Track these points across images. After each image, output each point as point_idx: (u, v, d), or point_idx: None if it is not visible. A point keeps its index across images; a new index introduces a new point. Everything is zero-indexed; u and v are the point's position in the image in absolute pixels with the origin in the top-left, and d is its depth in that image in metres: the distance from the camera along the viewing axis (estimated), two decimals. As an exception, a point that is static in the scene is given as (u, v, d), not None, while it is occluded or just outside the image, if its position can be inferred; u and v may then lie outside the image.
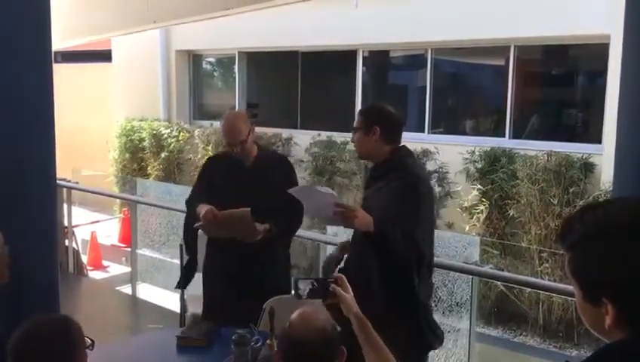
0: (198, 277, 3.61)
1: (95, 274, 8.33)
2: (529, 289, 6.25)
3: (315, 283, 2.00)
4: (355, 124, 2.75)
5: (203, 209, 3.06)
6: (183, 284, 3.83)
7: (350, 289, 1.98)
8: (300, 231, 3.58)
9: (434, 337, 2.71)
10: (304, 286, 2.00)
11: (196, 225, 3.17)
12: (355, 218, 2.45)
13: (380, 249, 2.53)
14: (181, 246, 4.12)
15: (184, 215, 3.73)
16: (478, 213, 6.77)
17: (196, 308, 3.88)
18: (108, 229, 10.16)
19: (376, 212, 2.51)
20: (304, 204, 2.75)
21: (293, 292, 2.06)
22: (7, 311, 2.79)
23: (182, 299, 4.01)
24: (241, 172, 3.23)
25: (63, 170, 4.88)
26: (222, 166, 3.34)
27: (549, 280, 5.87)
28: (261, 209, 3.04)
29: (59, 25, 4.65)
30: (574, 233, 1.12)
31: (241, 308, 3.06)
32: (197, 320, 3.04)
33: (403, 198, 2.56)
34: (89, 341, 1.77)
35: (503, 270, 5.90)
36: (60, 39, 6.28)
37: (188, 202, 3.42)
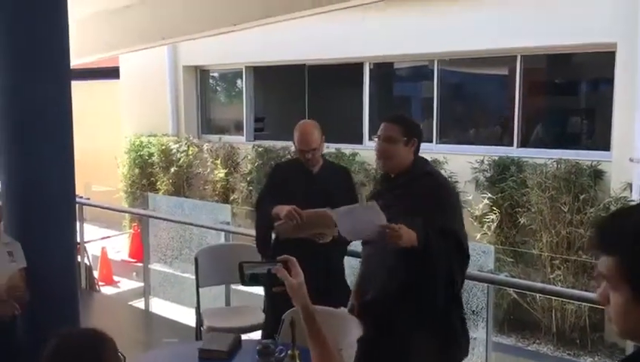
0: (218, 291, 3.62)
1: (106, 290, 8.37)
2: (541, 297, 6.25)
3: (261, 268, 1.77)
4: (389, 133, 2.68)
5: (283, 209, 3.11)
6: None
7: (301, 274, 1.74)
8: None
9: (459, 348, 2.70)
10: (251, 272, 1.78)
11: (277, 223, 3.21)
12: (400, 238, 2.41)
13: (421, 262, 2.48)
14: (196, 259, 4.15)
15: (197, 228, 3.76)
16: (488, 221, 6.78)
17: (213, 321, 3.91)
18: (118, 244, 10.21)
19: (423, 220, 2.48)
20: (343, 226, 2.67)
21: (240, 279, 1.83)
22: (29, 325, 2.83)
23: (197, 313, 4.03)
24: (309, 178, 3.32)
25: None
26: (290, 172, 3.44)
27: (562, 287, 5.86)
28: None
29: (70, 43, 4.72)
30: (623, 235, 1.14)
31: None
32: (217, 333, 3.06)
33: (444, 204, 2.57)
34: (122, 356, 1.77)
35: (515, 277, 5.89)
36: (72, 57, 6.35)
37: (257, 206, 3.49)
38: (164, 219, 6.96)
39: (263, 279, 1.76)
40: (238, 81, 10.46)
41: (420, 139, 2.71)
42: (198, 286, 4.09)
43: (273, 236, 3.46)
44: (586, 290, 5.61)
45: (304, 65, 9.27)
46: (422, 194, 2.60)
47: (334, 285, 3.27)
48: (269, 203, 3.29)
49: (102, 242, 9.43)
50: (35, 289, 2.79)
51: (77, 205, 6.25)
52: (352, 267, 4.07)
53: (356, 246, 3.43)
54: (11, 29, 3.00)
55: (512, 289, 5.69)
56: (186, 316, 5.86)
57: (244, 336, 3.05)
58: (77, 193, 6.55)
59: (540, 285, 4.57)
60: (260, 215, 3.48)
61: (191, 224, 6.92)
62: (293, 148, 9.37)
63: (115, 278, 9.05)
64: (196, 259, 4.13)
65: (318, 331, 1.69)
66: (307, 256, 3.11)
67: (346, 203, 3.08)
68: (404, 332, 2.57)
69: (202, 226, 6.48)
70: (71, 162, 3.18)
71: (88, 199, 7.16)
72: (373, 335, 2.61)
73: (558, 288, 5.15)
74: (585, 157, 6.74)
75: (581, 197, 6.31)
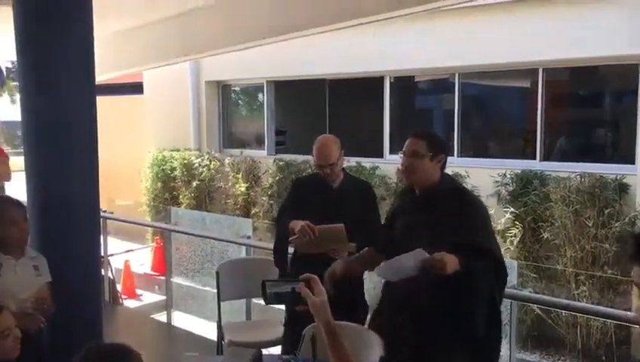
0: (239, 305, 3.64)
1: (129, 303, 8.43)
2: (566, 313, 6.15)
3: (284, 287, 1.77)
4: (415, 148, 2.65)
5: (297, 224, 3.14)
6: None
7: (324, 293, 1.75)
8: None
9: None
10: (274, 291, 1.78)
11: (291, 238, 3.25)
12: (444, 267, 2.34)
13: (461, 282, 2.41)
14: (217, 273, 4.18)
15: (218, 242, 3.78)
16: (511, 236, 6.70)
17: (234, 336, 3.92)
18: (141, 258, 10.30)
19: (449, 239, 2.42)
20: (385, 275, 2.58)
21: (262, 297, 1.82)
22: (54, 337, 2.86)
23: (219, 327, 4.04)
24: (328, 193, 3.34)
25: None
26: (310, 187, 3.45)
27: (587, 303, 5.77)
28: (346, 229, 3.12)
29: (96, 60, 4.81)
30: None
31: None
32: (238, 348, 3.07)
33: (484, 224, 2.54)
34: None
35: (538, 293, 5.81)
36: (97, 73, 6.48)
37: (277, 220, 3.53)
38: (186, 233, 7.01)
39: (286, 298, 1.76)
40: (260, 96, 10.55)
41: (446, 155, 2.71)
42: (219, 300, 4.11)
43: (292, 250, 3.48)
44: (611, 307, 5.53)
45: (325, 79, 9.32)
46: (454, 213, 2.54)
47: (352, 300, 3.24)
48: (287, 217, 3.31)
49: (125, 255, 9.53)
50: (60, 302, 2.83)
51: (101, 219, 6.38)
52: (372, 282, 4.06)
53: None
54: (39, 47, 3.07)
55: (535, 305, 5.61)
56: (208, 329, 5.89)
57: (264, 351, 3.05)
58: (101, 207, 6.67)
59: (564, 301, 4.50)
60: (278, 229, 3.51)
61: (212, 238, 6.96)
62: (313, 162, 9.42)
63: (138, 291, 9.12)
64: (217, 273, 4.15)
65: (341, 348, 1.69)
66: (324, 270, 3.14)
67: (365, 218, 3.09)
68: (441, 355, 2.53)
69: (223, 240, 6.51)
70: (96, 176, 3.24)
71: (112, 213, 7.25)
72: (406, 356, 2.56)
73: (584, 304, 5.07)
74: (609, 170, 6.65)
75: (606, 211, 6.22)
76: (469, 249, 2.41)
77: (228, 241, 6.37)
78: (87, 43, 3.18)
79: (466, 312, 2.49)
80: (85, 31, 3.17)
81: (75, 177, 3.14)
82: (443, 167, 2.70)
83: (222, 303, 4.11)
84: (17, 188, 5.64)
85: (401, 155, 2.72)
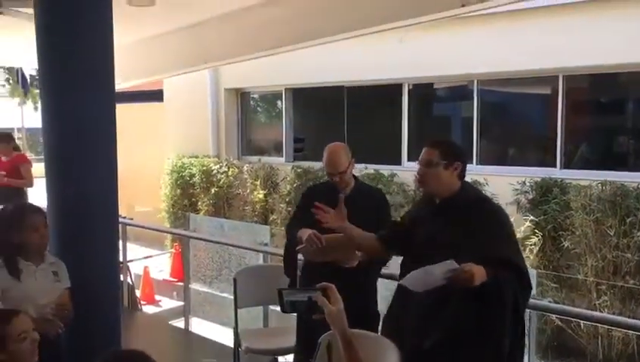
0: (256, 312, 3.64)
1: (148, 309, 8.50)
2: (585, 323, 6.06)
3: (300, 295, 1.77)
4: (428, 157, 2.63)
5: (305, 233, 3.15)
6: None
7: (340, 301, 1.75)
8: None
9: None
10: (290, 299, 1.78)
11: (298, 247, 3.26)
12: (472, 278, 2.31)
13: (488, 298, 2.37)
14: (235, 280, 4.19)
15: (236, 249, 3.80)
16: (531, 245, 6.63)
17: (251, 342, 3.93)
18: (160, 264, 10.38)
19: (488, 253, 2.40)
20: (412, 284, 2.53)
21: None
22: (73, 343, 2.89)
23: (235, 334, 4.05)
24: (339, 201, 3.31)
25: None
26: (321, 195, 3.41)
27: (609, 313, 5.68)
28: None
29: (116, 67, 4.88)
30: None
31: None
32: (254, 355, 3.08)
33: (508, 233, 2.50)
34: None
35: (558, 303, 5.74)
36: (118, 81, 6.57)
37: (288, 228, 3.53)
38: (205, 240, 7.07)
39: (302, 306, 1.75)
40: (278, 103, 10.59)
41: (463, 162, 2.65)
42: (236, 307, 4.12)
43: (303, 258, 3.47)
44: (634, 317, 5.44)
45: (343, 86, 9.33)
46: (477, 223, 2.50)
47: (363, 310, 3.18)
48: (297, 225, 3.32)
49: (144, 261, 9.61)
50: (80, 308, 2.86)
51: (120, 225, 6.45)
52: (388, 289, 4.03)
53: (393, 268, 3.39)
54: (59, 54, 3.12)
55: (555, 315, 5.54)
56: (225, 336, 5.91)
57: (281, 358, 3.06)
58: (120, 213, 6.76)
59: (586, 312, 4.44)
60: (288, 238, 3.51)
61: (230, 245, 6.99)
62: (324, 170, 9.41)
63: (157, 297, 9.19)
64: (235, 280, 4.17)
65: (357, 357, 1.68)
66: (334, 279, 3.12)
67: (376, 226, 3.05)
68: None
69: (241, 247, 6.54)
70: (115, 182, 3.27)
71: (132, 219, 7.32)
72: None
73: (605, 315, 4.98)
74: (631, 178, 6.55)
75: (628, 220, 6.12)
76: (494, 260, 2.38)
77: (245, 248, 6.39)
78: (107, 50, 3.22)
79: (492, 324, 2.45)
80: (105, 38, 3.22)
81: (94, 183, 3.17)
82: (462, 175, 2.65)
83: (239, 310, 4.12)
84: (39, 194, 5.73)
85: (417, 165, 2.71)
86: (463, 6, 4.07)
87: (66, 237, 3.13)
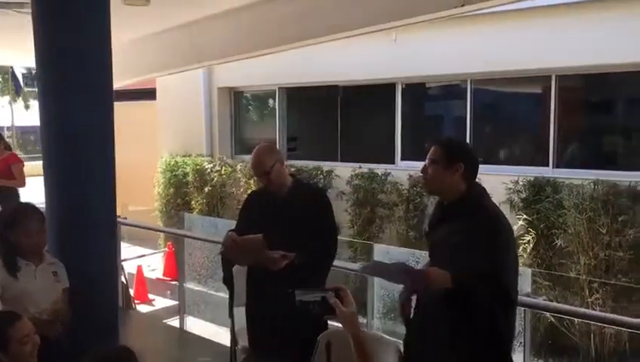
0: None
1: (142, 308, 8.48)
2: (578, 321, 6.12)
3: (313, 296, 1.77)
4: (431, 156, 2.55)
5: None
6: (230, 314, 3.92)
7: (353, 303, 1.75)
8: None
9: None
10: (303, 299, 1.78)
11: (220, 251, 3.31)
12: (428, 278, 2.30)
13: (459, 302, 2.32)
14: (232, 278, 4.18)
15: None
16: (524, 243, 6.68)
17: (246, 341, 3.93)
18: (153, 263, 10.36)
19: (458, 260, 2.34)
20: (382, 277, 2.59)
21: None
22: (71, 343, 2.89)
23: (232, 333, 4.05)
24: (274, 204, 3.28)
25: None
26: (259, 199, 3.44)
27: (601, 311, 5.73)
28: (287, 239, 3.08)
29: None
30: None
31: (282, 339, 3.11)
32: (250, 355, 3.09)
33: (489, 245, 2.36)
34: None
35: (552, 301, 5.79)
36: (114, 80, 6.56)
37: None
38: (200, 239, 7.06)
39: (315, 307, 1.76)
40: (271, 102, 10.60)
41: (466, 164, 2.52)
42: (232, 305, 4.12)
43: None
44: (626, 314, 5.48)
45: (337, 86, 9.35)
46: (462, 230, 2.42)
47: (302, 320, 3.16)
48: (236, 229, 3.31)
49: (137, 260, 9.58)
50: (78, 307, 2.86)
51: (115, 224, 6.43)
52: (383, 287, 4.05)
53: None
54: (58, 54, 3.12)
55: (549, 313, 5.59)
56: (220, 335, 5.91)
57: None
58: (115, 212, 6.74)
59: (580, 310, 4.48)
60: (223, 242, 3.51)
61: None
62: (325, 168, 9.42)
63: (150, 296, 9.17)
64: (232, 278, 4.16)
65: (369, 358, 1.72)
66: (273, 283, 3.02)
67: (313, 227, 3.05)
68: None
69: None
70: (113, 182, 3.27)
71: (125, 218, 7.30)
72: None
73: (598, 313, 5.03)
74: (623, 177, 6.61)
75: (619, 218, 6.18)
76: (475, 270, 2.30)
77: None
78: (105, 50, 3.22)
79: (458, 328, 2.40)
80: (103, 38, 3.22)
81: (92, 183, 3.17)
82: (467, 176, 2.53)
83: (235, 308, 4.12)
84: (31, 193, 5.70)
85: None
86: (463, 5, 4.10)
87: (65, 237, 3.13)
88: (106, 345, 2.90)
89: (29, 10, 3.10)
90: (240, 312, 4.25)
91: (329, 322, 3.21)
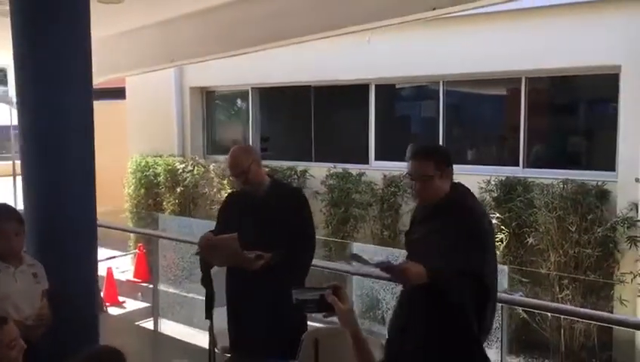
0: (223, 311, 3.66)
1: (112, 310, 8.35)
2: (550, 316, 6.25)
3: (311, 294, 1.80)
4: (424, 171, 2.56)
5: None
6: (207, 315, 3.90)
7: (350, 301, 1.79)
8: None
9: None
10: (300, 298, 1.80)
11: (196, 251, 3.31)
12: (406, 270, 2.35)
13: (436, 297, 2.38)
14: (211, 279, 4.16)
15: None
16: (497, 241, 6.80)
17: (227, 341, 3.91)
18: (122, 265, 10.21)
19: (434, 256, 2.39)
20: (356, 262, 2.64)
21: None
22: (51, 345, 2.84)
23: (211, 333, 4.03)
24: (252, 204, 3.29)
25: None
26: (237, 200, 3.46)
27: (572, 306, 5.87)
28: (265, 239, 3.11)
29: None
30: None
31: (264, 339, 3.15)
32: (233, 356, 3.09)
33: (470, 244, 2.41)
34: None
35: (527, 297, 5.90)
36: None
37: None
38: (175, 240, 6.99)
39: (313, 305, 1.77)
40: (244, 102, 10.55)
41: (449, 166, 2.59)
42: (210, 306, 4.09)
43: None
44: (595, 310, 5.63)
45: (310, 86, 9.36)
46: (446, 231, 2.47)
47: (283, 320, 3.10)
48: (215, 230, 3.34)
49: (107, 262, 9.43)
50: (58, 309, 2.82)
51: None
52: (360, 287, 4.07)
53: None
54: (37, 53, 3.06)
55: (521, 308, 5.70)
56: (195, 337, 5.86)
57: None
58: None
59: (554, 305, 4.59)
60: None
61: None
62: (299, 168, 9.41)
63: (121, 298, 9.04)
64: (211, 279, 4.13)
65: (368, 355, 1.72)
66: (252, 283, 3.11)
67: (290, 226, 3.11)
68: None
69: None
70: (92, 182, 3.22)
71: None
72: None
73: (574, 308, 5.16)
74: (590, 177, 6.79)
75: (588, 217, 6.35)
76: (452, 267, 2.35)
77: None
78: (84, 46, 3.17)
79: (434, 326, 2.47)
80: (83, 35, 3.17)
81: (71, 182, 3.12)
82: (449, 176, 2.61)
83: (215, 309, 4.09)
84: (5, 193, 5.56)
85: (408, 177, 2.66)
86: (434, 9, 4.16)
87: (44, 239, 3.07)
88: (87, 347, 2.85)
89: (7, 8, 3.04)
90: (219, 313, 4.24)
91: (308, 322, 3.25)
